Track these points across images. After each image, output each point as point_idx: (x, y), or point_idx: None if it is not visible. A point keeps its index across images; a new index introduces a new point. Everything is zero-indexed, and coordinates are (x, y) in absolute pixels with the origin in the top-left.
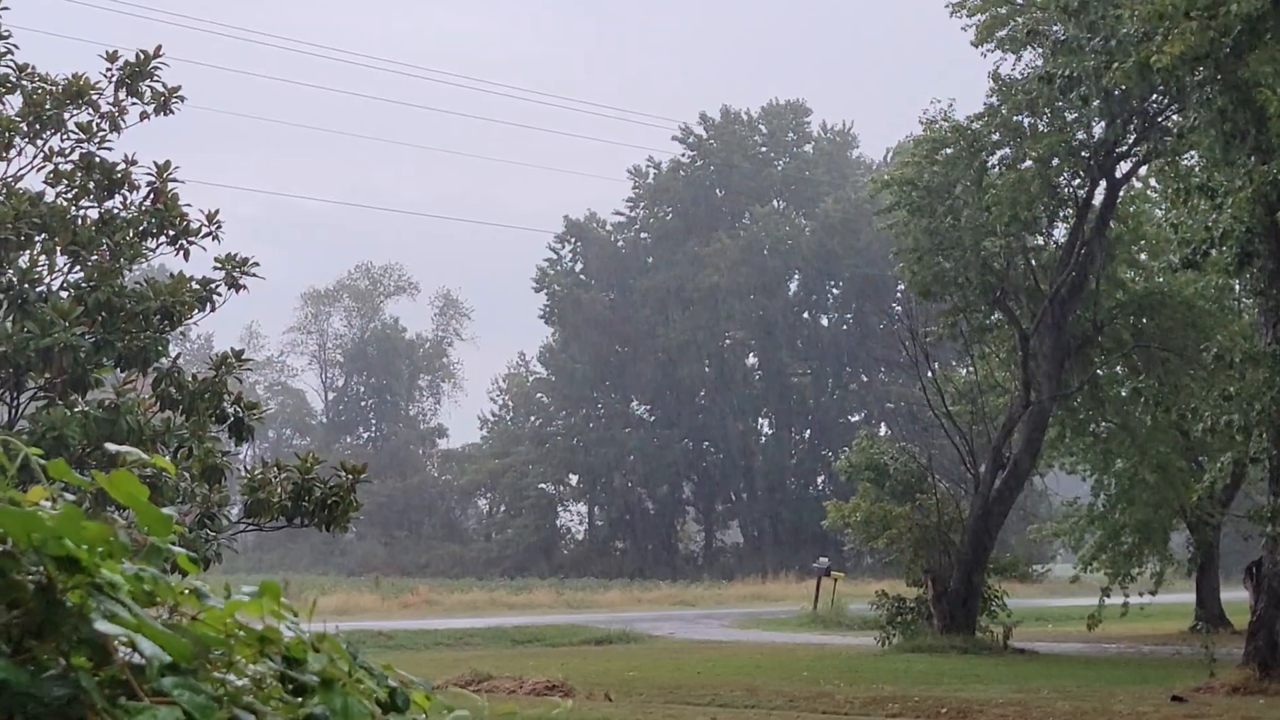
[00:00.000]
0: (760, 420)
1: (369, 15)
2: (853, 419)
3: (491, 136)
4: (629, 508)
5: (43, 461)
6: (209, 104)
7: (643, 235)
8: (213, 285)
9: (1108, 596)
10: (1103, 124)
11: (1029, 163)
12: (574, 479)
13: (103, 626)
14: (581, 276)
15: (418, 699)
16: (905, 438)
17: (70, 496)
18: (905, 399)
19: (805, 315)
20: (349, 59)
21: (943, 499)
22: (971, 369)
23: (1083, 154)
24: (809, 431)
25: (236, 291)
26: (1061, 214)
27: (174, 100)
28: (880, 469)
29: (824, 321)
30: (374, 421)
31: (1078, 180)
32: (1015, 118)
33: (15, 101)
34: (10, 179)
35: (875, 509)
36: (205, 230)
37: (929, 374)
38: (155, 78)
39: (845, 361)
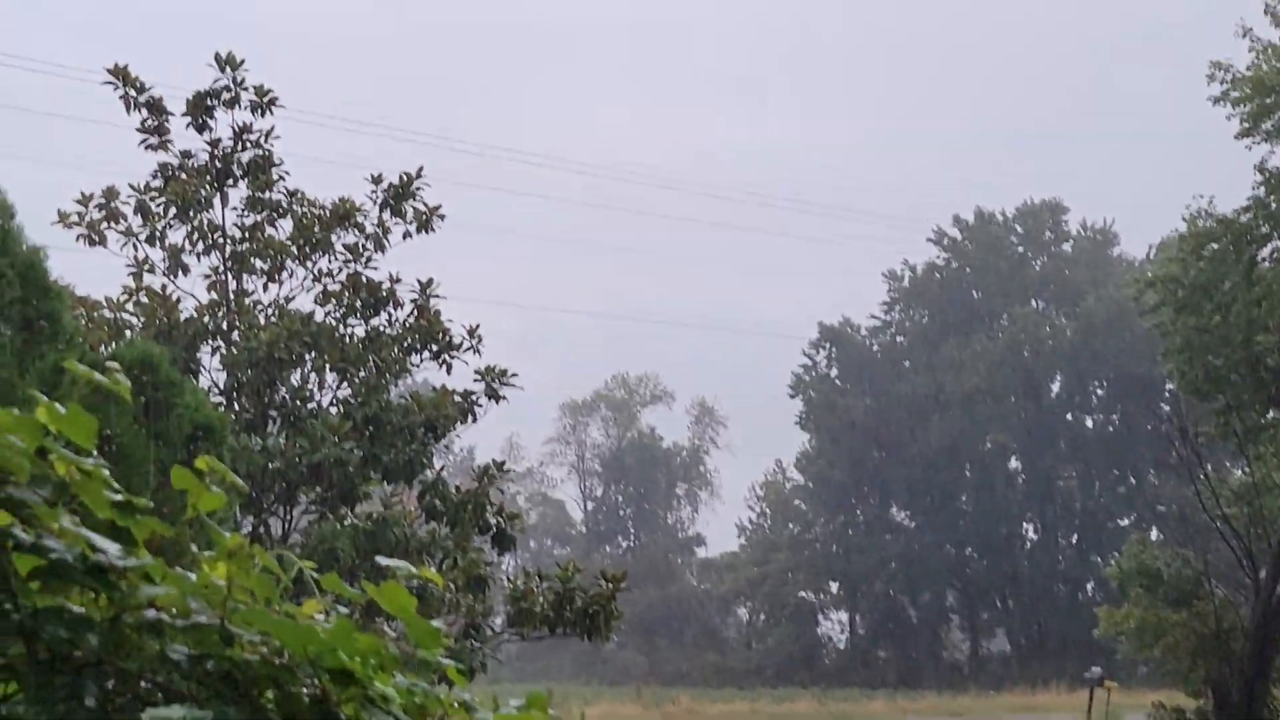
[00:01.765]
0: (1025, 525)
1: (610, 125)
2: (1122, 523)
3: (740, 243)
4: (891, 615)
5: (316, 575)
6: (461, 220)
7: (899, 339)
8: (474, 398)
9: None
10: None
11: None
12: (834, 586)
13: None
14: (837, 382)
15: None
16: (1178, 542)
17: (343, 609)
18: (1177, 501)
19: (1069, 417)
20: (595, 171)
21: (1221, 605)
22: (1247, 470)
23: None
24: (1076, 536)
25: (497, 403)
26: None
27: (435, 218)
28: (1153, 574)
29: (1089, 423)
30: (633, 530)
31: None
32: None
33: (286, 226)
34: (282, 300)
35: (1149, 616)
36: (466, 344)
37: (1202, 476)
38: (417, 197)
39: (1112, 463)
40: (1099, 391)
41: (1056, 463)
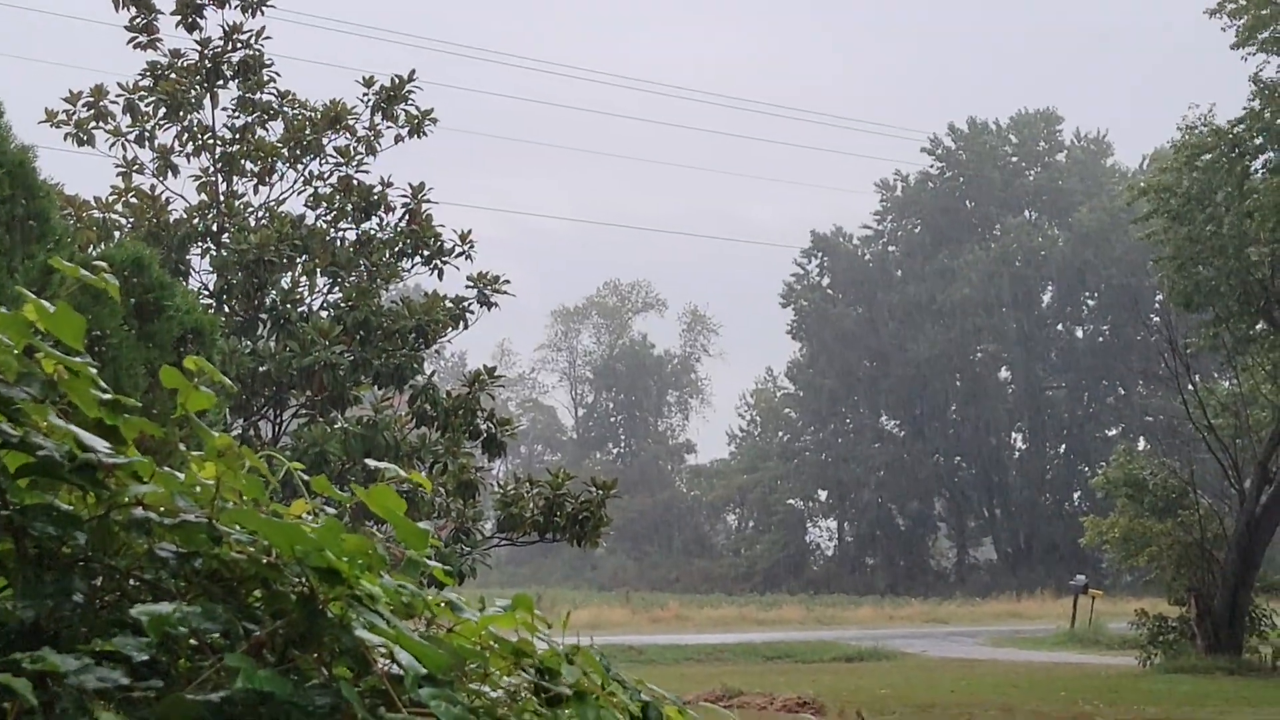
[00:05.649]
0: (1013, 435)
1: (604, 34)
2: (1110, 433)
3: (733, 151)
4: (879, 524)
5: (305, 477)
6: (451, 125)
7: (890, 248)
8: (465, 304)
9: None
10: None
11: None
12: (823, 494)
13: (363, 636)
14: (829, 291)
15: (670, 713)
16: (1165, 452)
17: (331, 510)
18: (1164, 412)
19: (1059, 327)
20: (586, 76)
21: (1205, 515)
22: (1235, 381)
23: None
24: (1064, 446)
25: (489, 309)
26: None
27: (427, 123)
28: (1139, 484)
29: (1079, 333)
30: (623, 437)
31: None
32: (1279, 121)
33: (277, 128)
34: (273, 203)
35: (1134, 525)
36: (458, 250)
37: (1190, 387)
38: (409, 101)
39: (1101, 374)
40: (1090, 302)
41: (1046, 373)
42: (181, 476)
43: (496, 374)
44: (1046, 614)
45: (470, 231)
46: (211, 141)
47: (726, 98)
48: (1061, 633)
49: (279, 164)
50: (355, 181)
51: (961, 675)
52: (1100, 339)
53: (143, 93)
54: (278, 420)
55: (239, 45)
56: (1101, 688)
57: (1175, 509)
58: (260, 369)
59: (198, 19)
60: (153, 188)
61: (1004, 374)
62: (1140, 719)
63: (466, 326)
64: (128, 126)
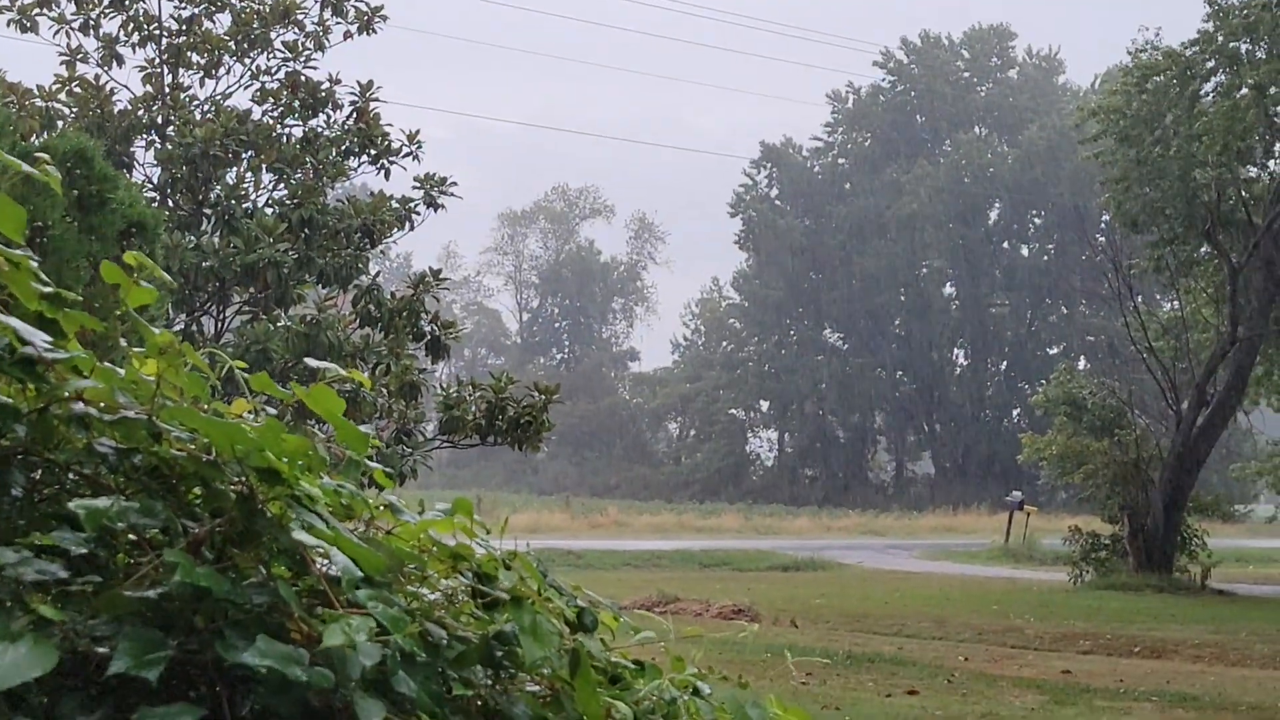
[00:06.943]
0: (956, 351)
1: None
2: (1051, 352)
3: (684, 59)
4: (819, 435)
5: (246, 375)
6: (402, 23)
7: (840, 161)
8: (412, 204)
9: None
10: None
11: (1245, 91)
12: (765, 405)
13: (301, 537)
14: (777, 202)
15: (605, 619)
16: (1105, 372)
17: (272, 410)
18: (1106, 333)
19: (1005, 245)
20: None
21: (1142, 435)
22: (1176, 303)
23: None
24: (1005, 363)
25: (435, 211)
26: (1278, 144)
27: (377, 20)
28: (1078, 403)
29: (1024, 251)
30: (567, 343)
31: None
32: (1231, 44)
33: (224, 20)
34: (219, 97)
35: (1072, 444)
36: (406, 150)
37: (1132, 307)
38: None
39: (1045, 293)
40: (1036, 221)
41: (990, 290)
42: (122, 372)
43: (442, 276)
44: (982, 529)
45: (418, 132)
46: (157, 32)
47: (680, 2)
48: (996, 548)
49: (226, 57)
50: (303, 78)
51: (896, 587)
52: (1045, 258)
53: None
54: (221, 317)
55: None
56: (1033, 602)
57: (1112, 429)
58: (204, 265)
59: None
60: (97, 77)
61: (948, 290)
62: (1070, 633)
63: (413, 228)
64: (72, 14)
